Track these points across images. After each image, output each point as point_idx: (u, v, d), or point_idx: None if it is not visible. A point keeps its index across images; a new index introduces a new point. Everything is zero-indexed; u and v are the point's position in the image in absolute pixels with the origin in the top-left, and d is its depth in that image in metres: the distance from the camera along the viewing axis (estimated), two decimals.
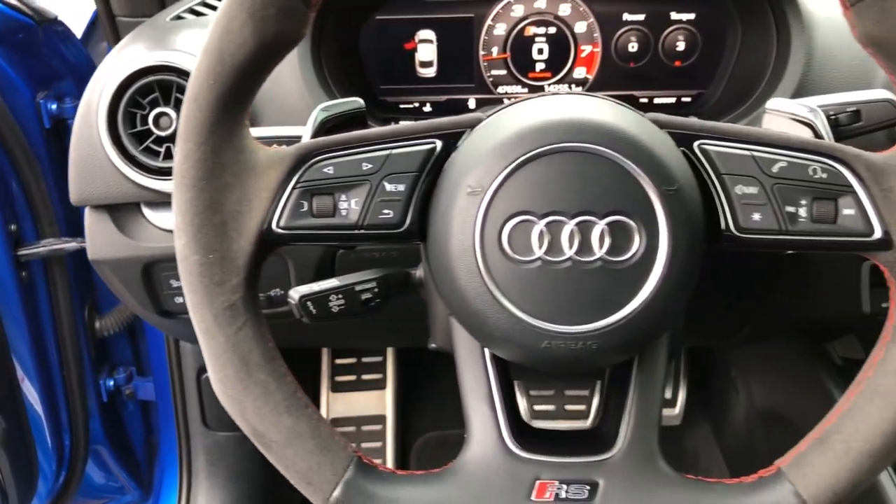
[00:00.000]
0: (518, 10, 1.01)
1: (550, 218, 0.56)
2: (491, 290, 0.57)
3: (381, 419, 1.65)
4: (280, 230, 0.59)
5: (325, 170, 0.59)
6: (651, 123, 0.60)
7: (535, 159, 0.56)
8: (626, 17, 1.00)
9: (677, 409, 1.47)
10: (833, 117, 0.68)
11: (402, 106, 1.05)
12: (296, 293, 0.67)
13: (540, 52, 1.02)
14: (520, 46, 1.02)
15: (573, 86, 1.03)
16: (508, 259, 0.57)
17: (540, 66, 1.03)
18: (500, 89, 1.04)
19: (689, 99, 1.03)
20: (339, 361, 1.68)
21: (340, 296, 0.68)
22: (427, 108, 1.05)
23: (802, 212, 0.57)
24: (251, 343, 0.58)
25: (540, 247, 0.56)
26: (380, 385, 1.67)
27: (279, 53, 0.57)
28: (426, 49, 1.03)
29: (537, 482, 0.60)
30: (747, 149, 0.58)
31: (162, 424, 1.48)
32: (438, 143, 0.61)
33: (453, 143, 0.61)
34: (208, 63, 0.55)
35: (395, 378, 1.66)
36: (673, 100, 1.03)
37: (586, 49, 1.02)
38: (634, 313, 0.56)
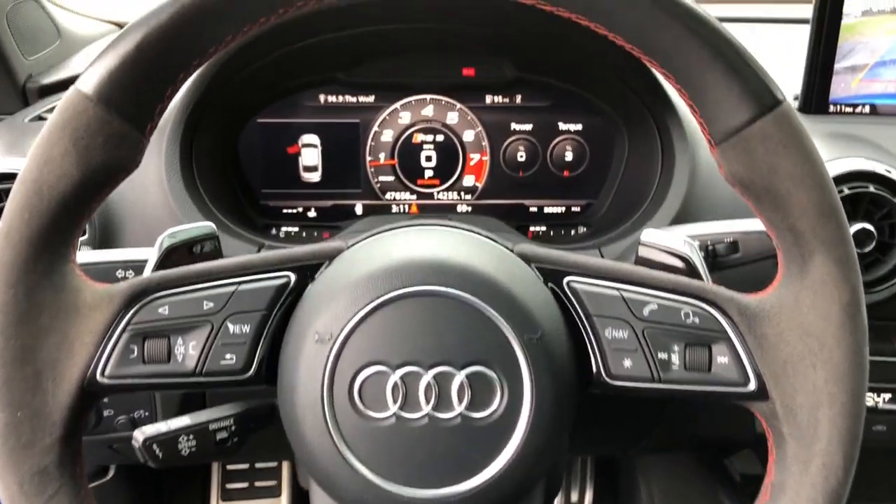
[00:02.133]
0: (405, 118, 0.98)
1: (405, 369, 0.51)
2: (340, 448, 0.51)
3: None
4: (105, 380, 0.52)
5: (160, 310, 0.53)
6: (517, 260, 0.56)
7: (387, 304, 0.51)
8: (515, 126, 0.99)
9: None
10: (710, 248, 0.66)
11: (285, 211, 1.00)
12: (140, 434, 0.59)
13: (428, 159, 0.99)
14: (407, 153, 0.99)
15: (462, 193, 1.01)
16: (360, 414, 0.51)
17: (428, 174, 1.00)
18: (388, 195, 1.00)
19: (578, 209, 1.01)
20: (230, 467, 1.57)
21: (192, 436, 0.61)
22: (311, 214, 1.01)
23: (675, 359, 0.53)
24: None
25: (394, 401, 0.51)
26: (274, 493, 1.57)
27: (108, 185, 0.51)
28: (310, 153, 0.99)
29: None
30: (618, 288, 0.55)
31: None
32: (292, 277, 0.56)
33: (309, 277, 0.56)
34: (24, 195, 0.48)
35: (290, 485, 1.56)
36: (562, 209, 1.01)
37: (475, 157, 1.00)
38: (498, 475, 0.51)
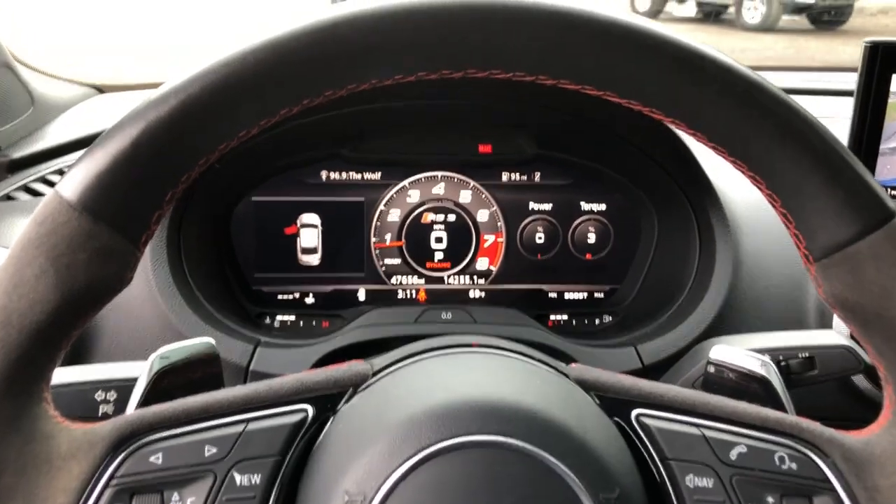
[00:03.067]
0: (414, 196, 0.90)
1: None
2: None
3: None
4: None
5: (152, 458, 0.43)
6: (577, 391, 0.47)
7: (434, 456, 0.42)
8: (533, 206, 0.91)
9: None
10: (783, 364, 0.58)
11: (280, 297, 0.91)
12: None
13: (438, 240, 0.91)
14: (416, 234, 0.91)
15: (475, 278, 0.92)
16: None
17: (438, 256, 0.91)
18: (394, 280, 0.91)
19: (601, 294, 0.93)
20: None
21: None
22: (309, 300, 0.91)
23: None
24: None
25: None
26: None
27: (92, 309, 0.41)
28: (309, 234, 0.90)
29: None
30: (698, 425, 0.47)
31: None
32: (310, 411, 0.46)
33: (330, 409, 0.47)
34: None
35: None
36: (584, 295, 0.93)
37: (489, 239, 0.91)
38: None
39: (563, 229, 0.91)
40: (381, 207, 0.90)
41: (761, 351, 0.61)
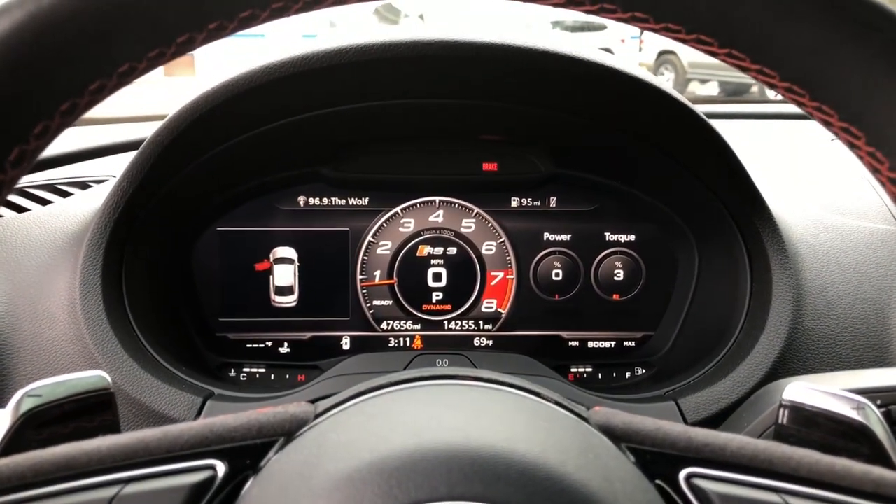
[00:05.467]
0: (408, 225, 0.76)
1: None
2: None
3: None
4: None
5: None
6: (600, 441, 0.33)
7: None
8: (548, 236, 0.77)
9: None
10: (882, 408, 0.43)
11: (249, 346, 0.76)
12: None
13: (437, 278, 0.77)
14: (410, 271, 0.77)
15: (481, 323, 0.77)
16: None
17: (437, 297, 0.77)
18: (384, 325, 0.77)
19: (632, 343, 0.78)
20: None
21: None
22: (284, 349, 0.77)
23: None
24: None
25: None
26: None
27: None
28: (284, 271, 0.76)
29: None
30: (777, 489, 0.31)
31: None
32: (219, 468, 0.32)
33: (249, 467, 0.32)
34: None
35: None
36: (611, 343, 0.78)
37: (497, 276, 0.77)
38: None
39: (584, 264, 0.77)
40: (370, 239, 0.76)
41: (852, 392, 0.46)
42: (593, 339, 0.78)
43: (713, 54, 0.30)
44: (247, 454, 0.33)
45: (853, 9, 0.27)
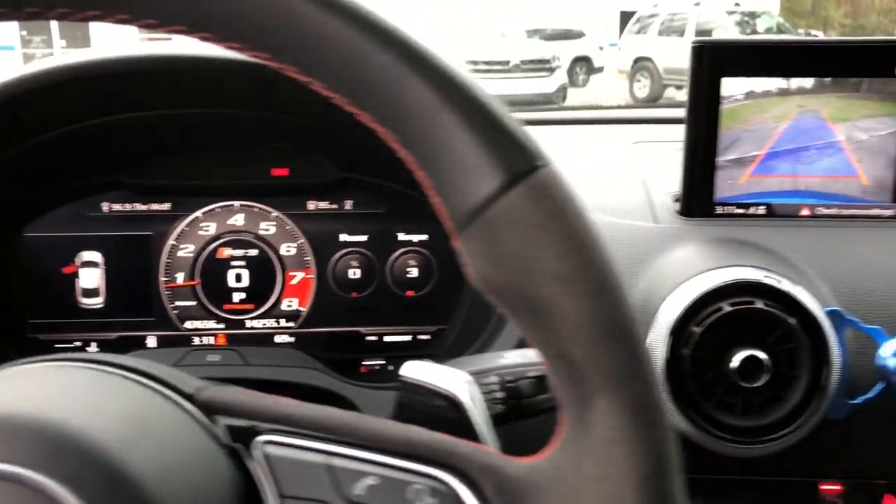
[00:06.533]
0: (209, 229, 0.80)
1: None
2: None
3: None
4: None
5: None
6: (184, 420, 0.36)
7: None
8: (344, 237, 0.81)
9: None
10: (510, 385, 0.47)
11: (57, 346, 0.80)
12: None
13: (238, 278, 0.81)
14: (212, 272, 0.80)
15: (282, 320, 0.81)
16: None
17: (238, 297, 0.81)
18: (188, 325, 0.81)
19: (427, 336, 0.82)
20: None
21: None
22: (93, 348, 0.80)
23: None
24: None
25: None
26: None
27: None
28: (90, 274, 0.80)
29: None
30: (326, 452, 0.35)
31: None
32: None
33: None
34: None
35: None
36: (408, 337, 0.82)
37: (297, 276, 0.81)
38: None
39: (380, 264, 0.81)
40: (172, 242, 0.80)
41: (490, 370, 0.50)
42: (389, 334, 0.82)
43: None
44: None
45: None
